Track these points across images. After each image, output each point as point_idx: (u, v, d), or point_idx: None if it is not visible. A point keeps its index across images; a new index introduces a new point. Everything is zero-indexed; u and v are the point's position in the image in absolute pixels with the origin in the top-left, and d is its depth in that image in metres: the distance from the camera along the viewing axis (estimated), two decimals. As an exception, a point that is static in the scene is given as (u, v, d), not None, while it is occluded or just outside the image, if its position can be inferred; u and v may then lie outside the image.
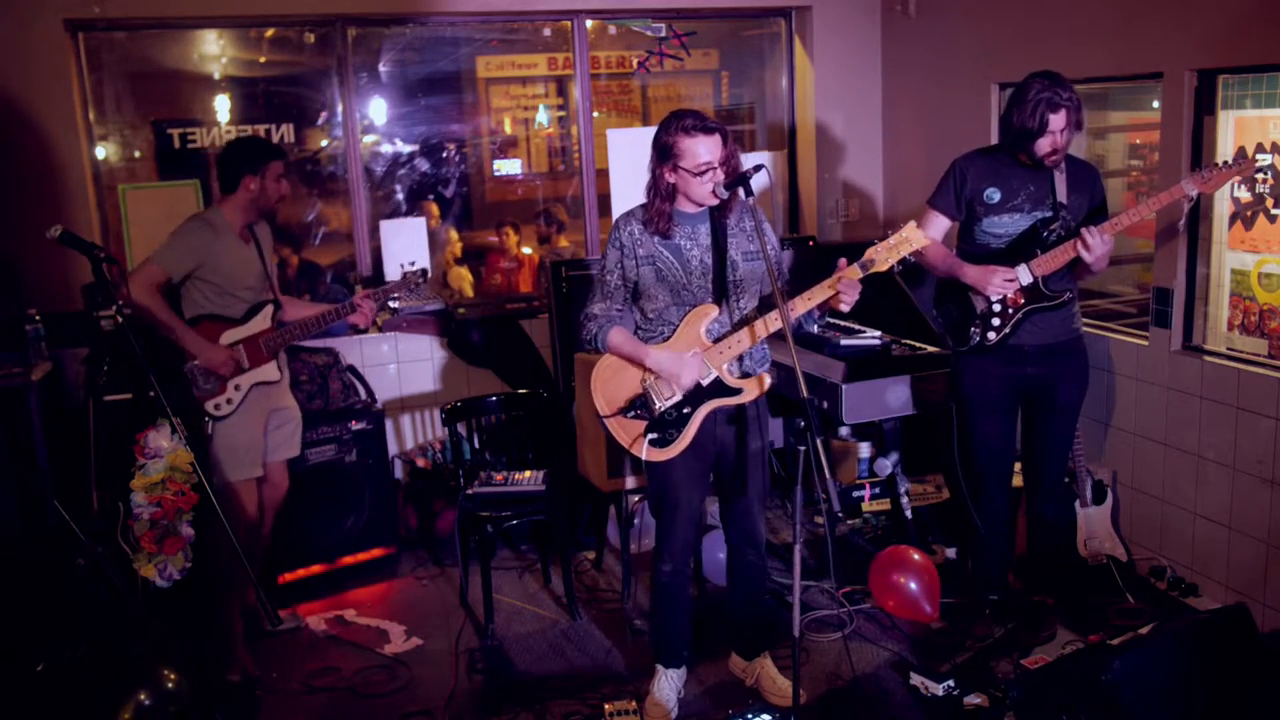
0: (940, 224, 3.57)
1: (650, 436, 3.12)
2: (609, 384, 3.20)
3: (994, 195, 3.45)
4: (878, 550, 3.97)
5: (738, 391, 3.12)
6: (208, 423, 3.64)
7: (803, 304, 3.00)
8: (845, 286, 2.96)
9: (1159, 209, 3.28)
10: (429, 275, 4.05)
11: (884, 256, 2.95)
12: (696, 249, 3.09)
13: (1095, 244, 3.23)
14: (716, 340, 3.09)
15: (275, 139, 5.04)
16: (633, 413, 3.15)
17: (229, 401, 3.66)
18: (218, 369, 3.61)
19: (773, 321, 3.02)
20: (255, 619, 3.92)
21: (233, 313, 3.69)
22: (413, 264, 4.04)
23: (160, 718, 3.06)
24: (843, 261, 3.01)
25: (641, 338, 3.16)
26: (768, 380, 3.14)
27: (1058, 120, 3.24)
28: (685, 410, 3.11)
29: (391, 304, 5.18)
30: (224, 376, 3.64)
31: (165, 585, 3.69)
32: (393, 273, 5.15)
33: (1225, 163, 3.26)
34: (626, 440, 3.18)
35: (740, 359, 3.12)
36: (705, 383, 3.09)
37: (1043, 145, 3.28)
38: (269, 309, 3.76)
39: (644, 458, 3.12)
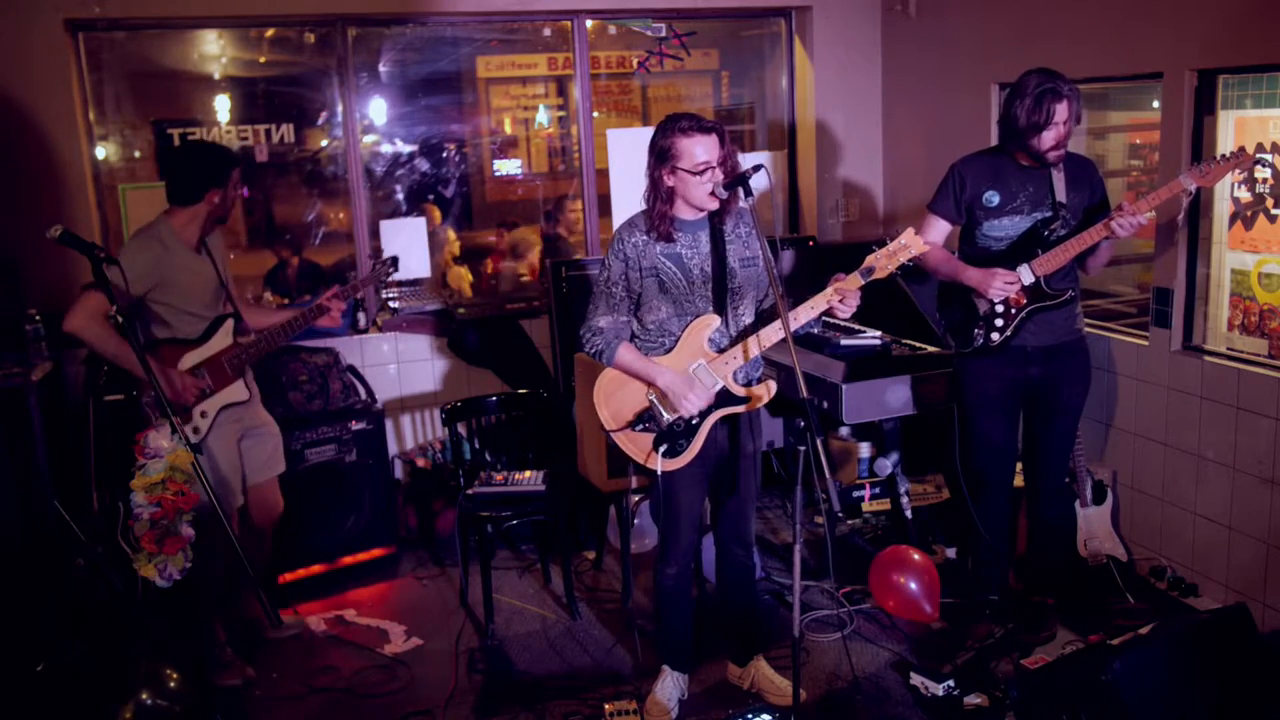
0: (941, 228, 3.57)
1: (661, 448, 3.10)
2: (613, 398, 3.17)
3: (993, 198, 3.45)
4: (878, 550, 3.97)
5: (745, 400, 3.11)
6: None
7: (805, 312, 3.01)
8: (846, 295, 2.98)
9: (1158, 204, 3.28)
10: (399, 264, 3.95)
11: (884, 264, 2.97)
12: (697, 257, 3.07)
13: (1128, 223, 3.22)
14: (720, 351, 3.09)
15: (275, 139, 5.04)
16: (640, 426, 3.14)
17: (196, 431, 3.42)
18: (180, 398, 3.36)
19: (775, 332, 3.02)
20: (257, 623, 3.92)
21: (191, 332, 3.47)
22: (384, 258, 3.91)
23: (161, 717, 3.07)
24: (839, 276, 3.03)
25: (640, 348, 3.13)
26: (773, 387, 3.13)
27: (1062, 111, 3.25)
28: (694, 421, 3.10)
29: (391, 304, 5.21)
30: (189, 405, 3.40)
31: (165, 585, 3.68)
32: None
33: (1223, 156, 3.26)
34: (640, 455, 3.15)
35: (739, 368, 3.12)
36: (713, 393, 3.09)
37: (1047, 138, 3.28)
38: (229, 324, 3.55)
39: (659, 470, 3.11)
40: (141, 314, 3.39)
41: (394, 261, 3.91)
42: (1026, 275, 3.40)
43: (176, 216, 3.45)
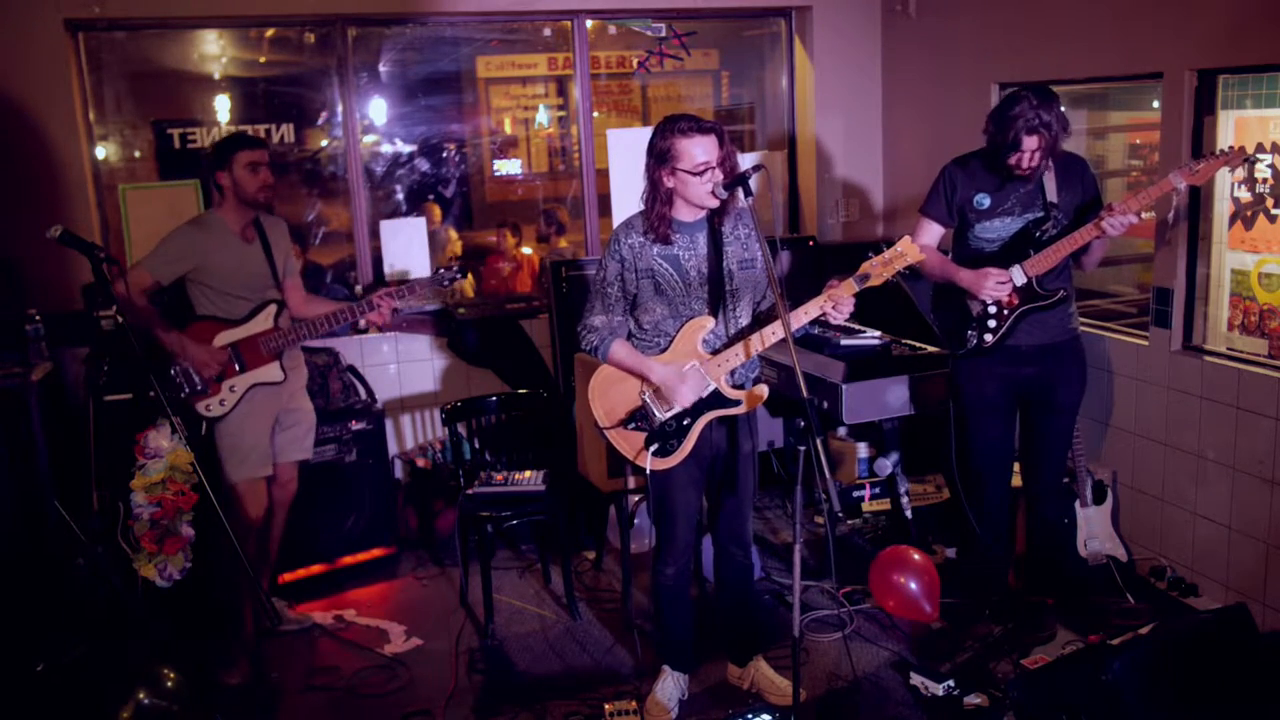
0: (933, 231, 3.58)
1: (652, 447, 3.11)
2: (607, 395, 3.18)
3: (984, 201, 3.46)
4: (878, 550, 3.97)
5: (736, 403, 3.12)
6: (203, 424, 3.62)
7: (799, 318, 3.01)
8: (839, 301, 2.99)
9: (1148, 204, 3.28)
10: (466, 273, 4.04)
11: (879, 271, 2.97)
12: (694, 258, 3.07)
13: (1117, 223, 3.23)
14: (714, 352, 3.09)
15: (275, 139, 5.04)
16: (633, 424, 3.15)
17: (222, 403, 3.63)
18: (200, 370, 3.58)
19: (770, 335, 3.03)
20: (259, 618, 3.92)
21: (234, 313, 3.67)
22: (453, 267, 3.95)
23: (160, 718, 3.07)
24: (834, 281, 3.03)
25: (636, 347, 3.14)
26: (765, 391, 3.14)
27: (1030, 142, 3.25)
28: (685, 421, 3.11)
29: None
30: (209, 378, 3.61)
31: (165, 585, 3.69)
32: (406, 274, 5.15)
33: (1213, 153, 3.27)
34: (630, 451, 3.17)
35: (733, 370, 3.12)
36: (704, 395, 3.09)
37: (1013, 159, 3.31)
38: (271, 309, 3.73)
39: (648, 468, 3.12)
40: (191, 293, 3.65)
41: (463, 270, 4.01)
42: (1019, 276, 3.40)
43: (220, 206, 3.70)
